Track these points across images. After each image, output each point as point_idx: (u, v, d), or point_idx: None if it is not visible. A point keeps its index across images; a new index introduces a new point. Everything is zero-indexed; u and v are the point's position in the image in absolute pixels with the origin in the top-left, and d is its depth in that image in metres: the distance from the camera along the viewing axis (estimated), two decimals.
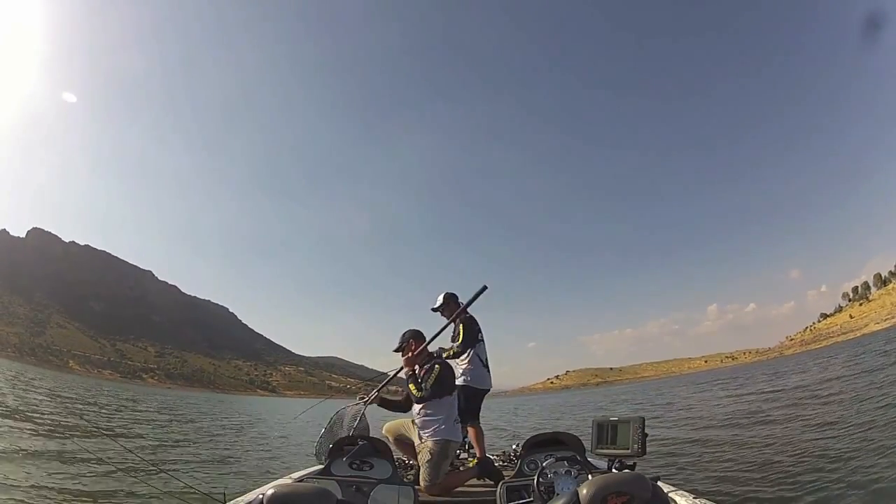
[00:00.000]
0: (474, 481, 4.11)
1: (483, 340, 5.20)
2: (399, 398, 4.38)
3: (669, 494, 2.64)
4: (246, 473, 8.47)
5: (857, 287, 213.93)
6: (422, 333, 4.29)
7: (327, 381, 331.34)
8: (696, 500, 2.63)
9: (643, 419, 2.56)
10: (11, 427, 10.51)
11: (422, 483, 3.72)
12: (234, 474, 8.50)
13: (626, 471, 2.44)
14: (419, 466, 3.90)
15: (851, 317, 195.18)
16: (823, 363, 31.30)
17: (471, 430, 5.01)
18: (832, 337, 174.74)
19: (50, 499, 5.73)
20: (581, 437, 3.06)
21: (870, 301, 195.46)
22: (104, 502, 5.85)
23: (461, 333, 5.06)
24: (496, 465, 4.95)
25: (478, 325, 5.19)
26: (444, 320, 5.12)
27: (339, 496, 1.94)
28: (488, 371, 5.14)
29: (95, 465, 7.15)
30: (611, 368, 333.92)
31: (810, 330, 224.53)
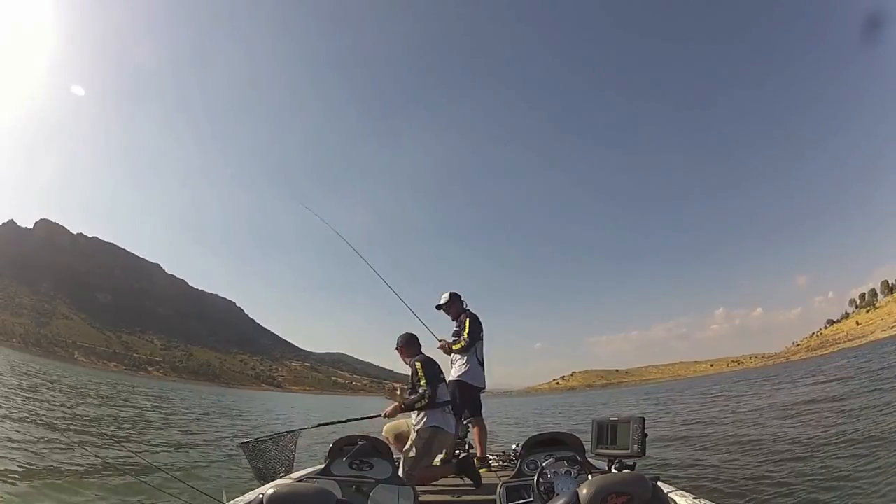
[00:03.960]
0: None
1: (482, 339, 5.29)
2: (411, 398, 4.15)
3: (669, 494, 2.62)
4: (246, 472, 8.41)
5: (864, 294, 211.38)
6: (412, 337, 4.42)
7: (333, 378, 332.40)
8: (696, 500, 2.60)
9: (643, 419, 2.56)
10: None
11: (400, 472, 3.69)
12: (234, 474, 8.43)
13: (626, 471, 2.44)
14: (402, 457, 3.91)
15: (858, 323, 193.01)
16: (828, 368, 31.17)
17: (474, 428, 5.08)
18: (838, 343, 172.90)
19: (48, 497, 5.70)
20: (581, 438, 3.03)
21: (877, 308, 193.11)
22: (103, 501, 5.82)
23: (467, 328, 5.14)
24: (497, 464, 5.02)
25: (480, 323, 5.29)
26: (448, 317, 5.32)
27: (339, 496, 1.97)
28: (484, 370, 5.23)
29: (94, 464, 7.10)
30: (617, 370, 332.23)
31: (817, 336, 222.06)
